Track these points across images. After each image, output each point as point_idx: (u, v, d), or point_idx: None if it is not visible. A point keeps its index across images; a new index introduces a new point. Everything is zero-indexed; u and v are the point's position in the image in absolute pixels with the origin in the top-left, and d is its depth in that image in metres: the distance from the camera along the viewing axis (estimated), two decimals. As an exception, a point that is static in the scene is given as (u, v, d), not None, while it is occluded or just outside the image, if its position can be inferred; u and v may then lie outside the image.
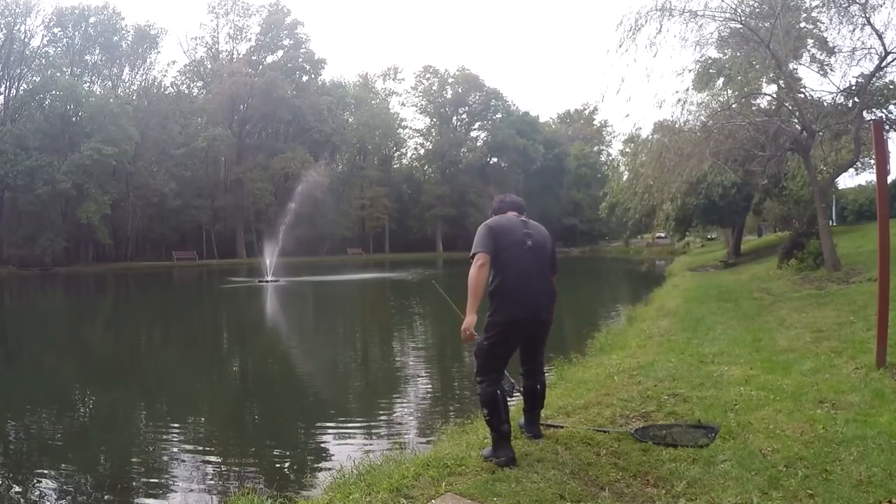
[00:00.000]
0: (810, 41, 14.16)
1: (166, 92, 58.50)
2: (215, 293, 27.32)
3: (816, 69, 14.48)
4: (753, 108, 14.31)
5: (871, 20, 12.29)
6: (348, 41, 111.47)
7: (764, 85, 14.79)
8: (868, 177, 31.01)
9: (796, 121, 13.58)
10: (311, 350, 12.74)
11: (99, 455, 6.15)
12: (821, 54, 14.33)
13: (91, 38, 53.52)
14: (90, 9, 52.57)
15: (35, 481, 5.36)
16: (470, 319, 3.46)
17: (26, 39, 49.23)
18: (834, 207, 29.97)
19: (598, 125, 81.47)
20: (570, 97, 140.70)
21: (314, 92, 61.48)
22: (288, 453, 6.10)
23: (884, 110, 14.02)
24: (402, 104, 75.57)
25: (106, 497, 5.06)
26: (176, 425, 7.19)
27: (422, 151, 74.49)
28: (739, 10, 13.56)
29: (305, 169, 52.49)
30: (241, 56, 60.76)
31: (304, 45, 62.34)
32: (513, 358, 3.75)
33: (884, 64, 12.73)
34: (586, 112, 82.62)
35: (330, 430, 6.71)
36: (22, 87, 49.14)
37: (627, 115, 51.53)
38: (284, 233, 37.08)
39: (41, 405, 8.13)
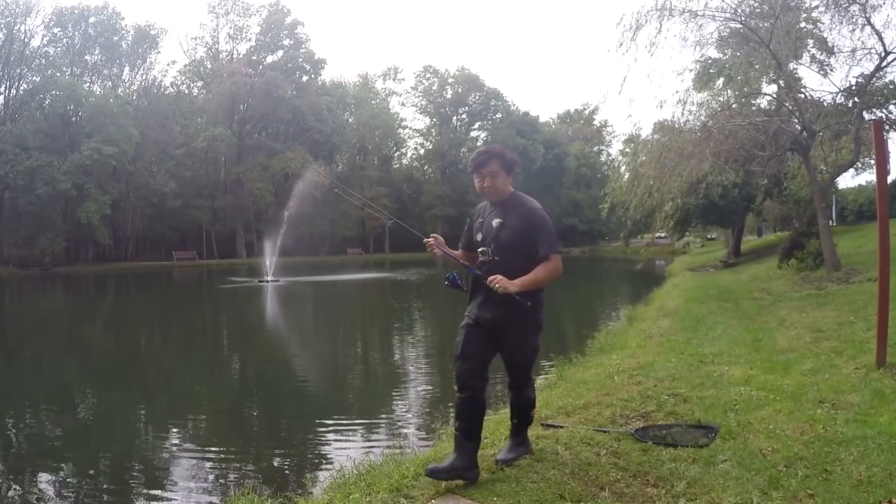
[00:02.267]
0: (810, 41, 14.16)
1: (166, 92, 58.54)
2: (215, 293, 27.31)
3: (816, 69, 14.50)
4: (753, 108, 14.32)
5: (871, 20, 12.33)
6: (348, 41, 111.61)
7: (764, 85, 14.80)
8: (868, 177, 31.08)
9: (796, 121, 13.58)
10: (310, 350, 12.73)
11: (99, 455, 6.14)
12: (821, 54, 14.33)
13: (91, 38, 53.54)
14: (90, 9, 52.62)
15: (35, 481, 5.36)
16: (515, 289, 3.06)
17: (26, 39, 49.30)
18: (834, 207, 29.99)
19: (598, 125, 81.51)
20: (570, 97, 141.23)
21: (314, 92, 61.48)
22: (288, 453, 6.10)
23: (884, 110, 14.02)
24: (402, 104, 75.58)
25: (106, 497, 5.06)
26: (176, 425, 7.19)
27: (422, 151, 74.51)
28: (739, 10, 13.58)
29: (305, 169, 52.49)
30: (241, 56, 60.77)
31: (304, 45, 62.38)
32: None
33: (884, 64, 12.75)
34: (586, 112, 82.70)
35: (330, 430, 6.70)
36: (22, 87, 49.21)
37: (629, 116, 51.56)
38: (284, 233, 37.08)
39: (41, 405, 8.13)
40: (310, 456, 6.00)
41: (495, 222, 3.25)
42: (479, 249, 3.26)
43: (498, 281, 3.08)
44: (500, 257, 3.18)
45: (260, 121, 60.39)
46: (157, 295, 28.06)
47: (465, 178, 67.89)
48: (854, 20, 12.56)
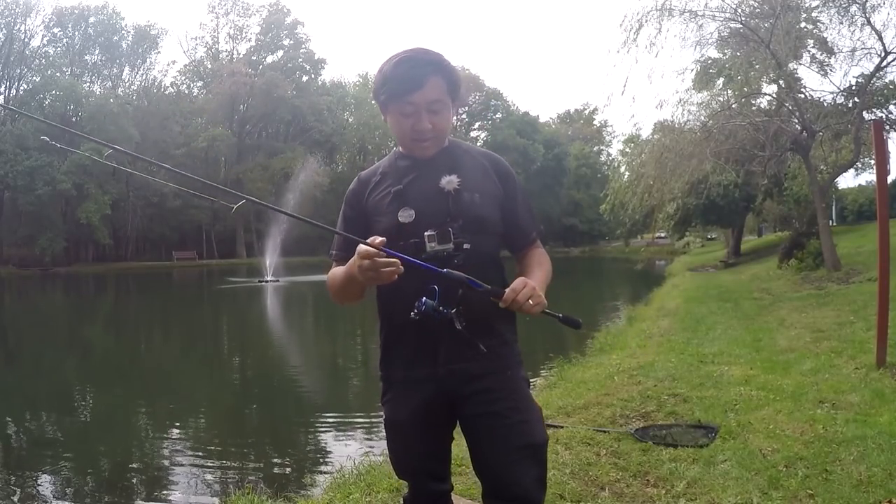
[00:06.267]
0: (810, 41, 14.16)
1: (166, 92, 58.62)
2: (215, 293, 27.31)
3: (816, 69, 14.50)
4: (753, 108, 14.31)
5: (871, 20, 12.34)
6: (348, 41, 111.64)
7: (764, 85, 14.80)
8: (868, 177, 31.11)
9: (796, 121, 13.57)
10: (310, 350, 12.73)
11: (99, 455, 6.14)
12: (821, 54, 14.33)
13: (91, 38, 53.64)
14: (90, 9, 52.72)
15: (35, 481, 5.36)
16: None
17: (26, 39, 49.36)
18: (834, 207, 30.00)
19: (598, 125, 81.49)
20: (570, 97, 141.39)
21: (314, 92, 61.53)
22: (288, 453, 6.09)
23: (884, 110, 14.03)
24: (403, 104, 75.63)
25: (106, 497, 5.06)
26: (176, 425, 7.18)
27: (422, 151, 74.51)
28: (739, 10, 13.57)
29: (303, 168, 52.49)
30: (241, 56, 60.85)
31: (304, 45, 62.45)
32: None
33: (884, 64, 12.75)
34: (586, 112, 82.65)
35: (330, 430, 6.70)
36: (22, 87, 49.31)
37: (632, 116, 51.79)
38: (283, 233, 37.03)
39: (41, 405, 8.13)
40: (310, 456, 6.00)
41: (446, 182, 1.74)
42: (428, 234, 1.68)
43: (535, 295, 1.61)
44: (472, 244, 1.69)
45: (260, 121, 60.42)
46: (158, 295, 28.06)
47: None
48: (854, 20, 12.58)
